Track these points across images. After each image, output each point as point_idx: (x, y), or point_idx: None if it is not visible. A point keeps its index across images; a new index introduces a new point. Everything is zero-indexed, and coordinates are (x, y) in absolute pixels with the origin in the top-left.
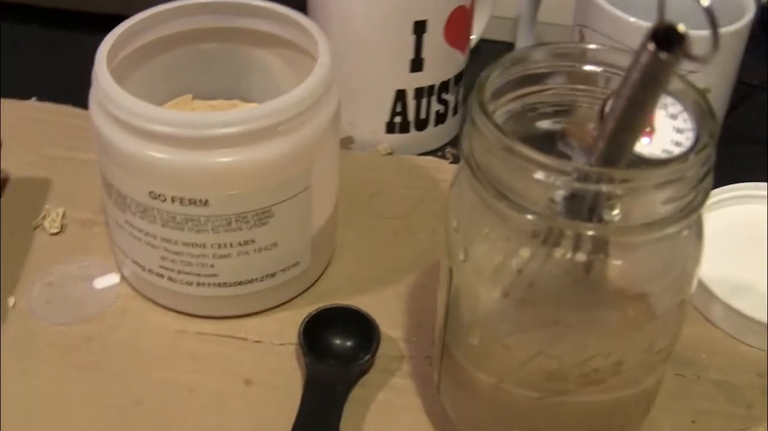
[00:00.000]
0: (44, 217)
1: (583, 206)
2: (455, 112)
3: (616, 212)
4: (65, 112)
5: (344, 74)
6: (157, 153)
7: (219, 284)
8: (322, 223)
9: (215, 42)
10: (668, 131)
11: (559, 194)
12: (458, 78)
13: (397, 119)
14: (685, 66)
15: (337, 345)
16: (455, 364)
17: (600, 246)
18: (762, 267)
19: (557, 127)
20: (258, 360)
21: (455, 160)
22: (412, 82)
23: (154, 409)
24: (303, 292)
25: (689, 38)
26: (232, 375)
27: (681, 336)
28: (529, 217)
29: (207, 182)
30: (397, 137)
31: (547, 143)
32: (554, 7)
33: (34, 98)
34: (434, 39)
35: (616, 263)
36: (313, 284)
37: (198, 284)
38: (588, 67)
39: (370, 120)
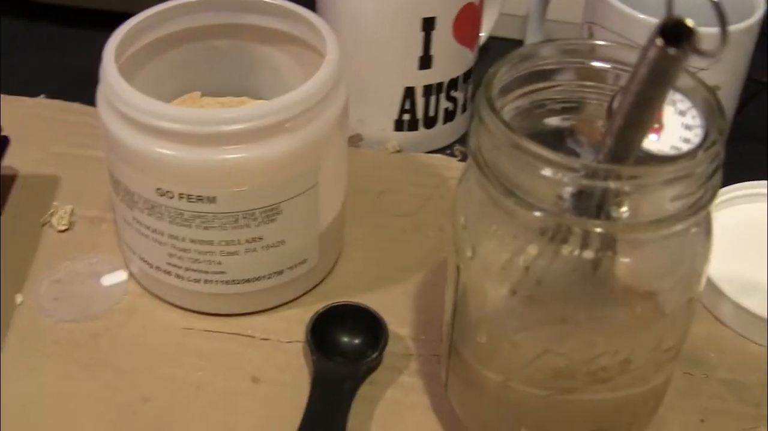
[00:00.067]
0: (52, 214)
1: (591, 203)
2: (464, 109)
3: (624, 209)
4: (73, 109)
5: (353, 72)
6: (165, 150)
7: (226, 282)
8: (330, 220)
9: (223, 39)
10: (677, 128)
11: (567, 191)
12: (467, 75)
13: (406, 117)
14: (695, 63)
15: (345, 343)
16: (463, 362)
17: (608, 243)
18: None
19: (566, 124)
20: (265, 358)
21: (464, 157)
22: (421, 79)
23: (161, 406)
24: (311, 289)
25: (698, 33)
26: (240, 372)
27: (690, 334)
28: (537, 214)
29: (215, 178)
30: (405, 135)
31: (555, 139)
32: (563, 4)
33: (42, 95)
34: (443, 36)
35: (624, 260)
36: (321, 281)
37: (205, 281)
38: (596, 64)
39: (378, 118)
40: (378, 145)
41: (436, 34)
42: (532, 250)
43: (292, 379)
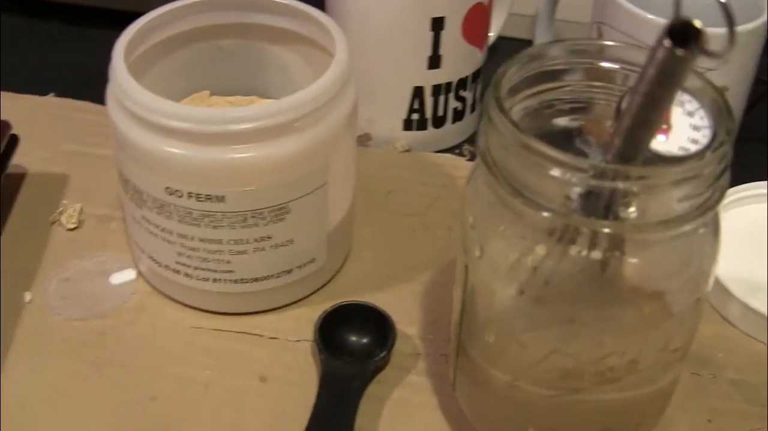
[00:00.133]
0: (61, 212)
1: (599, 204)
2: (473, 109)
3: (632, 209)
4: (82, 107)
5: (362, 71)
6: (174, 149)
7: (235, 281)
8: (339, 220)
9: (232, 38)
10: (685, 129)
11: (575, 191)
12: (476, 75)
13: (415, 116)
14: (703, 64)
15: (353, 342)
16: (471, 362)
17: (616, 244)
18: None
19: (574, 124)
20: (273, 357)
21: (472, 157)
22: (430, 79)
23: (169, 405)
24: (319, 289)
25: (706, 34)
26: (248, 371)
27: (698, 334)
28: (545, 214)
29: (223, 177)
30: (414, 134)
31: (564, 140)
32: (572, 4)
33: (52, 94)
34: (452, 36)
35: (632, 260)
36: (330, 280)
37: (214, 280)
38: (605, 64)
39: (387, 117)
40: (387, 144)
41: (445, 34)
42: (541, 250)
43: (300, 378)
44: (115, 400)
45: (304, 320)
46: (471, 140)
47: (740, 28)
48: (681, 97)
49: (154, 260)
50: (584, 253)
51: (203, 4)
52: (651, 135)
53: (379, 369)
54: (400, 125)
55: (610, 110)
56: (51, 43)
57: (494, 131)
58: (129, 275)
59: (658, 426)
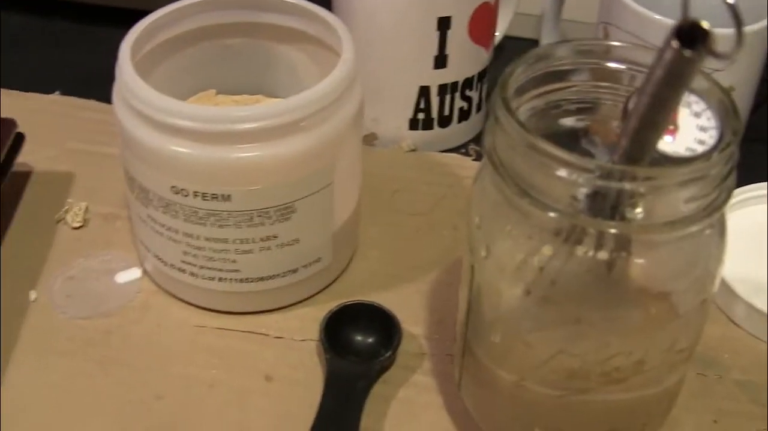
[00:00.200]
0: (67, 211)
1: (606, 204)
2: (479, 109)
3: (638, 210)
4: (88, 106)
5: (368, 71)
6: (180, 148)
7: (241, 280)
8: (345, 219)
9: (239, 37)
10: (692, 129)
11: (582, 192)
12: (482, 75)
13: (421, 116)
14: (710, 64)
15: (359, 342)
16: (476, 362)
17: (622, 244)
18: None
19: (580, 124)
20: (279, 356)
21: (478, 157)
22: (436, 78)
23: (174, 404)
24: (325, 288)
25: (713, 35)
26: (253, 370)
27: (703, 335)
28: (552, 214)
29: (229, 177)
30: (420, 134)
31: (570, 140)
32: (579, 4)
33: (57, 92)
34: (458, 35)
35: (638, 261)
36: (335, 280)
37: (220, 279)
38: (612, 65)
39: (393, 117)
40: (393, 144)
41: (451, 34)
42: (547, 250)
43: (306, 378)
44: (120, 399)
45: (309, 320)
46: (477, 139)
47: (746, 29)
48: (688, 98)
49: (160, 259)
50: (591, 253)
51: (210, 3)
52: (658, 136)
53: (384, 368)
54: (405, 124)
55: (616, 110)
56: (56, 41)
57: (501, 131)
58: (134, 273)
59: (664, 426)
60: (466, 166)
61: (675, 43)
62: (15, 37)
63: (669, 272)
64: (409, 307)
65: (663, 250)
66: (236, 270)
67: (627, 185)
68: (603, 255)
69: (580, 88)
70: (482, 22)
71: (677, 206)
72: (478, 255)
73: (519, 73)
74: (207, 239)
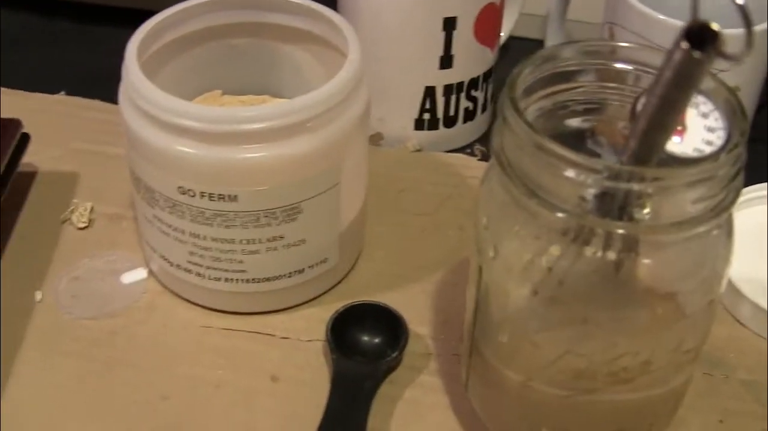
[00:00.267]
0: (72, 211)
1: (614, 205)
2: (484, 109)
3: (646, 210)
4: (93, 106)
5: (373, 71)
6: (187, 148)
7: (247, 280)
8: (351, 219)
9: (245, 37)
10: (699, 130)
11: (590, 192)
12: (487, 75)
13: (426, 116)
14: (716, 64)
15: (365, 342)
16: (484, 362)
17: (630, 245)
18: None
19: (586, 125)
20: (285, 357)
21: (483, 157)
22: (442, 79)
23: (180, 405)
24: (331, 288)
25: (723, 37)
26: (259, 371)
27: (710, 335)
28: (560, 215)
29: (236, 177)
30: (425, 134)
31: (577, 140)
32: (584, 5)
33: (62, 92)
34: (464, 36)
35: (645, 261)
36: (341, 280)
37: (226, 280)
38: (618, 65)
39: (398, 117)
40: (398, 144)
41: (457, 34)
42: (555, 251)
43: (312, 378)
44: (126, 400)
45: (315, 320)
46: (482, 139)
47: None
48: (696, 98)
49: (166, 259)
50: (598, 254)
51: (216, 3)
52: (667, 137)
53: (391, 369)
54: (411, 124)
55: (622, 110)
56: (61, 41)
57: (509, 131)
58: (140, 274)
59: (671, 426)
60: (471, 166)
61: (685, 45)
62: (20, 36)
63: (676, 272)
64: (415, 307)
65: (670, 250)
66: (243, 271)
67: (635, 186)
68: (611, 256)
69: (587, 89)
70: (488, 22)
71: (685, 206)
72: (486, 256)
73: (527, 73)
74: (213, 239)
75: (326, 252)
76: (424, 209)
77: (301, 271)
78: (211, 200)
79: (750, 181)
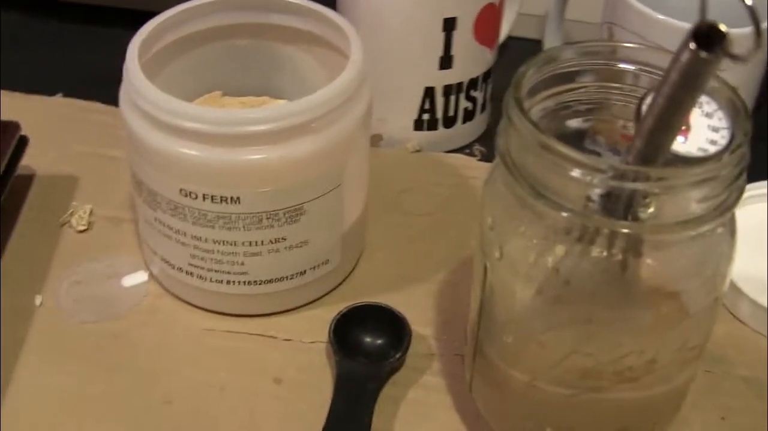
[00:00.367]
0: (71, 214)
1: (619, 205)
2: (483, 109)
3: (651, 210)
4: (92, 108)
5: (373, 71)
6: (188, 150)
7: (249, 283)
8: (353, 220)
9: (246, 38)
10: (703, 130)
11: (595, 192)
12: (486, 75)
13: (426, 116)
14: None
15: (368, 343)
16: (488, 362)
17: (635, 244)
18: None
19: (585, 125)
20: (288, 359)
21: (483, 157)
22: (441, 79)
23: (183, 408)
24: (333, 290)
25: (730, 37)
26: (262, 373)
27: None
28: (565, 215)
29: (238, 179)
30: (425, 134)
31: (577, 140)
32: (582, 5)
33: (60, 94)
34: (464, 36)
35: (650, 261)
36: (343, 281)
37: (228, 282)
38: (619, 65)
39: (398, 117)
40: (398, 144)
41: (456, 35)
42: (560, 251)
43: (315, 380)
44: (128, 403)
45: (318, 322)
46: (481, 139)
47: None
48: (700, 98)
49: (167, 262)
50: (604, 253)
51: (217, 4)
52: (673, 137)
53: (394, 370)
54: (411, 125)
55: (621, 110)
56: (61, 42)
57: (514, 131)
58: (141, 277)
59: (673, 424)
60: (471, 166)
61: (692, 45)
62: (17, 37)
63: (680, 271)
64: (417, 308)
65: (675, 250)
66: (244, 273)
67: (640, 186)
68: (616, 255)
69: (589, 89)
70: (487, 22)
71: (689, 206)
72: (492, 256)
73: (531, 73)
74: (215, 241)
75: (328, 254)
76: (424, 209)
77: (302, 273)
78: (213, 202)
79: (749, 179)
